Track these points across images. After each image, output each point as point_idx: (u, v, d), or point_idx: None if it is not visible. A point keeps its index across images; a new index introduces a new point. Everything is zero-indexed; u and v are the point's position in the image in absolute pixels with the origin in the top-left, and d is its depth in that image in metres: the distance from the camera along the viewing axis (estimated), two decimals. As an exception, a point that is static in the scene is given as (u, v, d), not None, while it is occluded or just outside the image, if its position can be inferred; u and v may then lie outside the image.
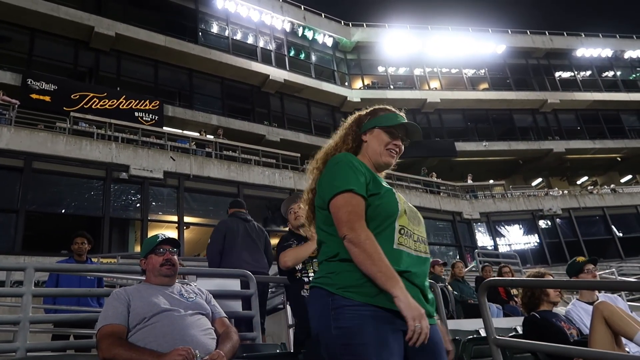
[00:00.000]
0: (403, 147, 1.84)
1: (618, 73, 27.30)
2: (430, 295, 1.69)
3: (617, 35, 27.69)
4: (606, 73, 27.30)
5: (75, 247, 5.15)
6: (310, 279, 2.73)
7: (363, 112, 1.90)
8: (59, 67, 15.95)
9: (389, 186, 1.72)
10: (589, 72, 26.93)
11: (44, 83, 14.45)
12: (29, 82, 14.21)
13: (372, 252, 1.51)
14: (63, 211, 11.15)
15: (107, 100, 15.33)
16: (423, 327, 1.43)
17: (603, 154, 25.43)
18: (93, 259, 6.66)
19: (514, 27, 26.74)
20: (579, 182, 28.42)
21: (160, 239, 2.54)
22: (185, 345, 2.07)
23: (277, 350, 2.95)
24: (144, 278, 2.55)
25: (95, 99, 15.12)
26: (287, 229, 3.24)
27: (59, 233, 10.62)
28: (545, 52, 26.21)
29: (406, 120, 1.83)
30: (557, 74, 26.27)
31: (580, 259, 3.69)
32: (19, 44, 15.39)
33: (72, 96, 14.73)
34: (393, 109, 1.89)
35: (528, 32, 26.37)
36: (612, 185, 22.74)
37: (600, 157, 25.73)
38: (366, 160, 1.80)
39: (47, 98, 14.32)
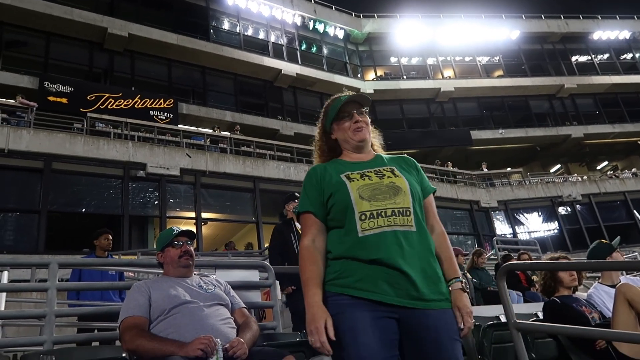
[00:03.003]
0: (365, 118, 1.90)
1: (637, 55, 26.65)
2: (422, 270, 1.63)
3: (635, 17, 26.99)
4: (624, 55, 26.69)
5: (105, 243, 5.28)
6: None
7: (321, 118, 2.00)
8: (74, 69, 16.17)
9: (343, 179, 1.77)
10: (606, 55, 26.36)
11: (60, 85, 14.67)
12: (46, 85, 14.45)
13: (300, 266, 1.72)
14: (83, 210, 11.34)
15: (122, 100, 15.52)
16: (314, 342, 1.53)
17: (623, 138, 24.90)
18: (114, 256, 6.78)
19: (528, 12, 26.33)
20: (598, 168, 27.91)
21: (175, 231, 2.57)
22: (206, 335, 2.10)
23: (297, 339, 2.96)
24: (163, 272, 2.59)
25: (110, 99, 15.31)
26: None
27: (80, 232, 10.81)
28: (560, 36, 25.72)
29: (346, 98, 1.89)
30: (573, 58, 25.78)
31: (606, 241, 3.63)
32: (35, 48, 15.64)
33: (88, 97, 14.94)
34: (335, 97, 1.96)
35: (543, 16, 25.90)
36: (633, 170, 22.29)
37: (620, 141, 25.20)
38: (347, 154, 1.93)
39: (64, 100, 14.54)
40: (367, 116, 1.92)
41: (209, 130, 15.59)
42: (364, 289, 1.59)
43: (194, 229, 11.76)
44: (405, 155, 2.00)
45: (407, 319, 1.59)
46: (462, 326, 1.63)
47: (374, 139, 1.99)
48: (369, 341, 1.52)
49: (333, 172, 1.82)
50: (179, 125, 15.46)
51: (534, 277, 6.53)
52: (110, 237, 5.34)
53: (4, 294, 3.61)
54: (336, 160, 1.92)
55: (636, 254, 11.47)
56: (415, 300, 1.59)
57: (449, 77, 24.15)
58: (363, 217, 1.67)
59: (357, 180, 1.75)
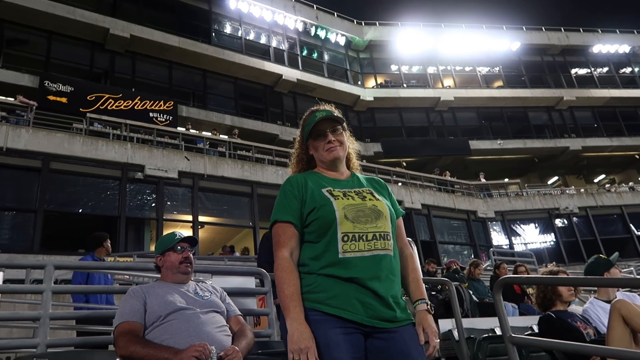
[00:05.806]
0: (339, 136, 1.89)
1: (636, 69, 26.85)
2: (393, 295, 1.68)
3: (635, 31, 27.21)
4: (624, 69, 26.88)
5: (110, 247, 5.24)
6: None
7: (300, 128, 2.00)
8: (75, 68, 16.19)
9: (326, 194, 1.76)
10: (605, 69, 26.53)
11: (60, 85, 14.68)
12: (46, 84, 14.46)
13: (279, 279, 1.66)
14: (80, 211, 11.31)
15: (122, 101, 15.53)
16: None
17: (621, 151, 25.05)
18: (109, 259, 6.75)
19: (529, 24, 26.54)
20: (596, 180, 28.02)
21: (178, 237, 2.55)
22: (201, 342, 2.09)
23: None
24: (159, 276, 2.57)
25: (110, 100, 15.32)
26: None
27: (76, 232, 10.79)
28: (561, 48, 25.87)
29: (321, 115, 1.87)
30: (573, 71, 25.93)
31: (604, 257, 3.62)
32: (37, 47, 15.66)
33: (88, 97, 14.95)
34: (312, 110, 1.95)
35: (543, 28, 26.06)
36: (630, 183, 22.36)
37: (618, 154, 25.34)
38: (322, 169, 1.93)
39: (64, 99, 14.55)
40: (342, 134, 1.91)
41: (207, 134, 15.60)
42: (337, 307, 1.61)
43: (190, 232, 11.80)
44: (377, 177, 2.03)
45: (375, 335, 1.63)
46: (427, 345, 1.67)
47: (352, 157, 1.99)
48: (342, 356, 1.54)
49: (314, 186, 1.80)
50: (178, 128, 15.46)
51: (529, 290, 6.52)
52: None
53: (-1, 294, 3.59)
54: (314, 173, 1.91)
55: (632, 268, 11.49)
56: (384, 321, 1.64)
57: (449, 86, 24.24)
58: (345, 238, 1.67)
59: (341, 198, 1.75)
